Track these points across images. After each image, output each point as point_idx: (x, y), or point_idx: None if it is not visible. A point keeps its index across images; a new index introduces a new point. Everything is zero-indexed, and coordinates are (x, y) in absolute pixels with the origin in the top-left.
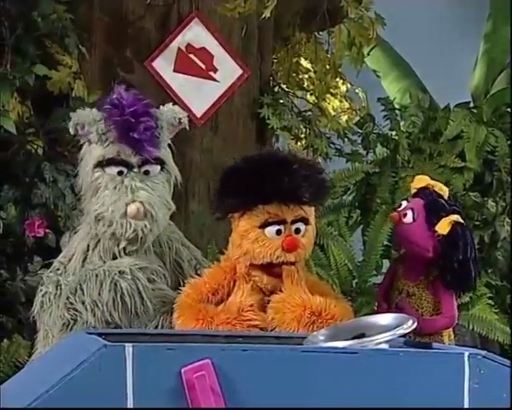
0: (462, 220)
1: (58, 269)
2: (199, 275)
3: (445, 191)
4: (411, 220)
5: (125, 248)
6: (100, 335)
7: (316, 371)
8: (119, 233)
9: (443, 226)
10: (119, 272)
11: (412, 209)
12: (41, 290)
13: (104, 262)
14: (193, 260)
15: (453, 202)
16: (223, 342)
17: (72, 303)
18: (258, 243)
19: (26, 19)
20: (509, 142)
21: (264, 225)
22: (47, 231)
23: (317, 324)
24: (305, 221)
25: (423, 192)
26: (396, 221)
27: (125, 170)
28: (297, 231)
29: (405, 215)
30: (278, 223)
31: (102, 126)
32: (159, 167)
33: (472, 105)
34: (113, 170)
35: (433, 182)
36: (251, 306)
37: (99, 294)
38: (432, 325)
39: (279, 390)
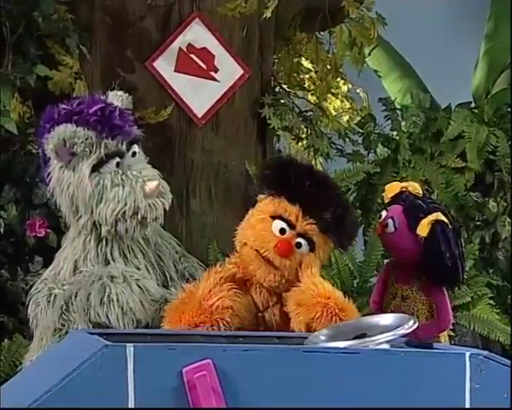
0: (442, 217)
1: (48, 279)
2: (185, 268)
3: (419, 189)
4: (393, 229)
5: (112, 252)
6: (101, 335)
7: (317, 371)
8: (147, 216)
9: (423, 228)
10: (111, 276)
11: (392, 218)
12: (35, 302)
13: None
14: (175, 253)
15: (430, 198)
16: (224, 342)
17: (66, 311)
18: (262, 228)
19: (26, 19)
20: (510, 142)
21: (274, 217)
22: (48, 231)
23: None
24: (311, 244)
25: (400, 197)
26: (379, 232)
27: (119, 160)
28: (298, 245)
29: (387, 225)
30: (287, 222)
31: (83, 134)
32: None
33: (473, 105)
34: (112, 165)
35: (405, 184)
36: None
37: (87, 299)
38: (428, 331)
39: (280, 390)
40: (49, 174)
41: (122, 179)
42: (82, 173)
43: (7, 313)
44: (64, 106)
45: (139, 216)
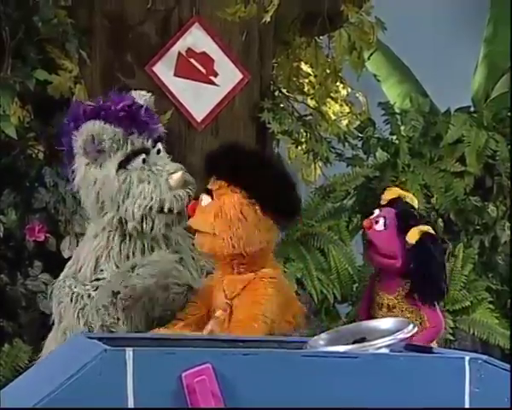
0: (432, 231)
1: (68, 277)
2: (203, 265)
3: (415, 203)
4: (382, 228)
5: (134, 251)
6: (100, 339)
7: (316, 376)
8: (173, 208)
9: (412, 235)
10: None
11: (384, 217)
12: (58, 300)
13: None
14: (190, 251)
15: (423, 214)
16: (223, 346)
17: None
18: None
19: (26, 23)
20: (509, 146)
21: None
22: (47, 235)
23: None
24: (210, 193)
25: (396, 203)
26: (368, 228)
27: (145, 157)
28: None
29: (377, 222)
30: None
31: (111, 131)
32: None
33: (472, 109)
34: (138, 161)
35: (404, 193)
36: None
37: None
38: (421, 341)
39: (280, 395)
40: (73, 172)
41: (148, 175)
42: (109, 170)
43: (6, 317)
44: (89, 103)
45: (165, 209)
